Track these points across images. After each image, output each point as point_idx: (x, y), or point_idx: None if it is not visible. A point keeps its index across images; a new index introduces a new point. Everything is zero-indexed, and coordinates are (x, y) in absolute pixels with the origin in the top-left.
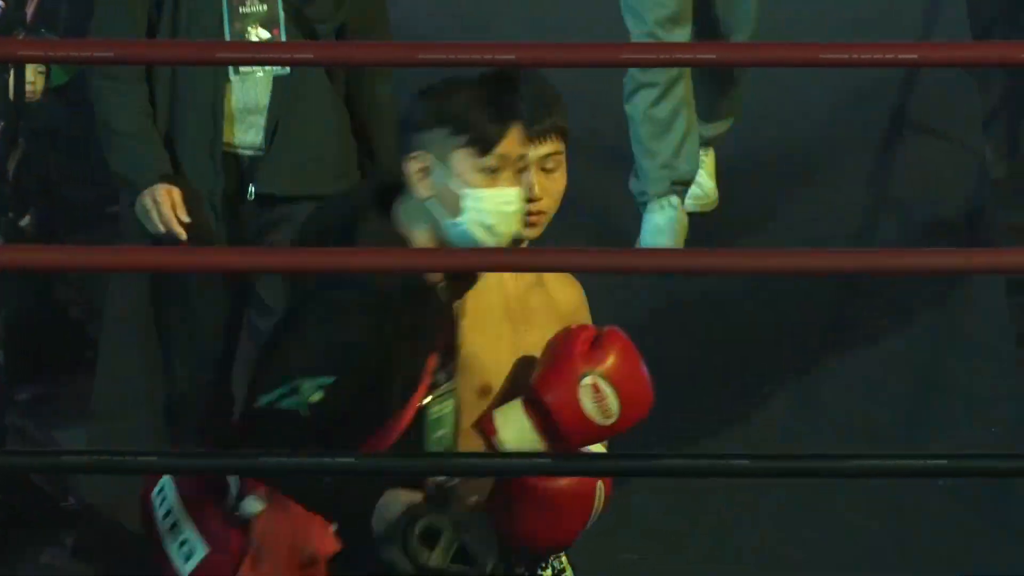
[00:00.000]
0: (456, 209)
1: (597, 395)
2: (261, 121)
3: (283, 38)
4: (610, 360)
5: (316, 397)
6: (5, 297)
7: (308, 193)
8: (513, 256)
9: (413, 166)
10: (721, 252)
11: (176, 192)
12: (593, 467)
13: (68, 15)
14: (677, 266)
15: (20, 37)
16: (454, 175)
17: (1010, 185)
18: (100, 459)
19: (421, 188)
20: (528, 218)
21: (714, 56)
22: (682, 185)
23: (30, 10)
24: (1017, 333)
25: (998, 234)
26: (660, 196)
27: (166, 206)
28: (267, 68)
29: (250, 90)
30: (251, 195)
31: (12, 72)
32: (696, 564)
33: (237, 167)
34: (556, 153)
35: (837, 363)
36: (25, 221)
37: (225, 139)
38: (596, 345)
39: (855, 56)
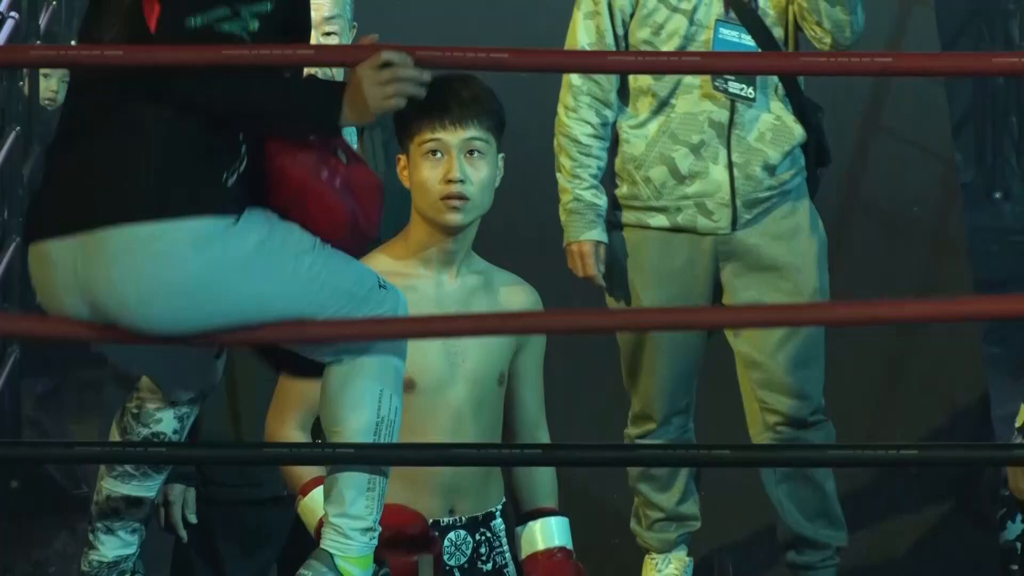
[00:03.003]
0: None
1: None
2: None
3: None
4: None
5: (255, 25)
6: (21, 292)
7: None
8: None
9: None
10: (733, 309)
11: (191, 493)
12: (581, 457)
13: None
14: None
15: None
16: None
17: (977, 188)
18: (112, 451)
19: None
20: (450, 202)
21: (699, 60)
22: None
23: (44, 21)
24: (983, 328)
25: (966, 235)
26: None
27: (177, 506)
28: None
29: None
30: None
31: (27, 79)
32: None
33: None
34: (479, 139)
35: None
36: None
37: None
38: None
39: (833, 60)
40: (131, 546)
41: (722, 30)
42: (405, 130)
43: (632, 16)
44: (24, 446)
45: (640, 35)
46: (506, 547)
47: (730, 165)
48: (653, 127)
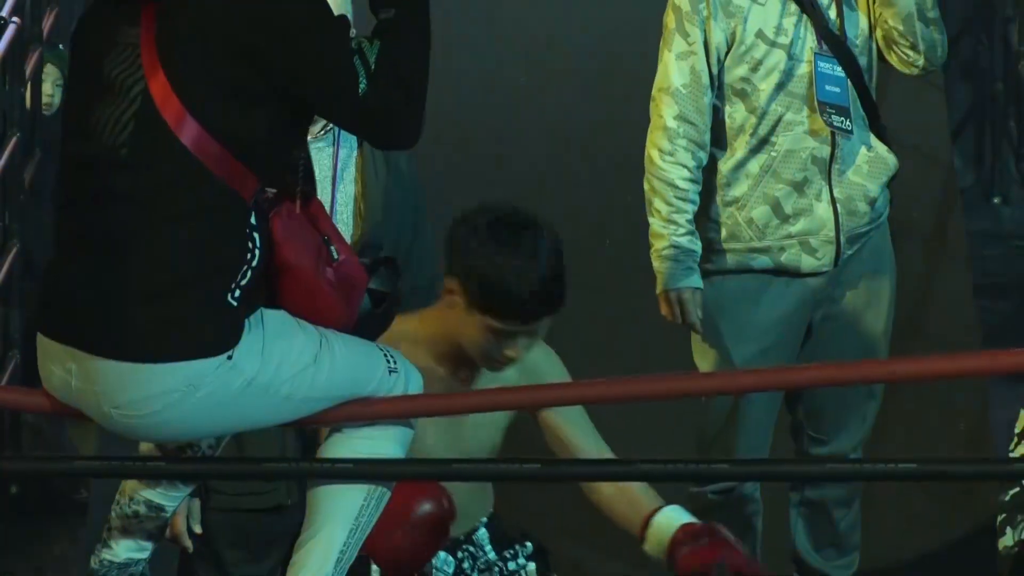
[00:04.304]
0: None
1: None
2: None
3: None
4: None
5: (373, 44)
6: (24, 297)
7: None
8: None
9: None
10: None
11: (195, 504)
12: (581, 472)
13: None
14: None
15: (37, 53)
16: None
17: (976, 192)
18: (111, 465)
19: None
20: (496, 365)
21: None
22: None
23: (47, 26)
24: (983, 332)
25: (965, 239)
26: None
27: (181, 517)
28: None
29: None
30: None
31: (29, 84)
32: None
33: None
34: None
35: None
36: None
37: None
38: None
39: None
40: (144, 551)
41: (820, 63)
42: (477, 293)
43: (727, 53)
44: (26, 460)
45: (737, 72)
46: (491, 553)
47: (832, 201)
48: (754, 166)
